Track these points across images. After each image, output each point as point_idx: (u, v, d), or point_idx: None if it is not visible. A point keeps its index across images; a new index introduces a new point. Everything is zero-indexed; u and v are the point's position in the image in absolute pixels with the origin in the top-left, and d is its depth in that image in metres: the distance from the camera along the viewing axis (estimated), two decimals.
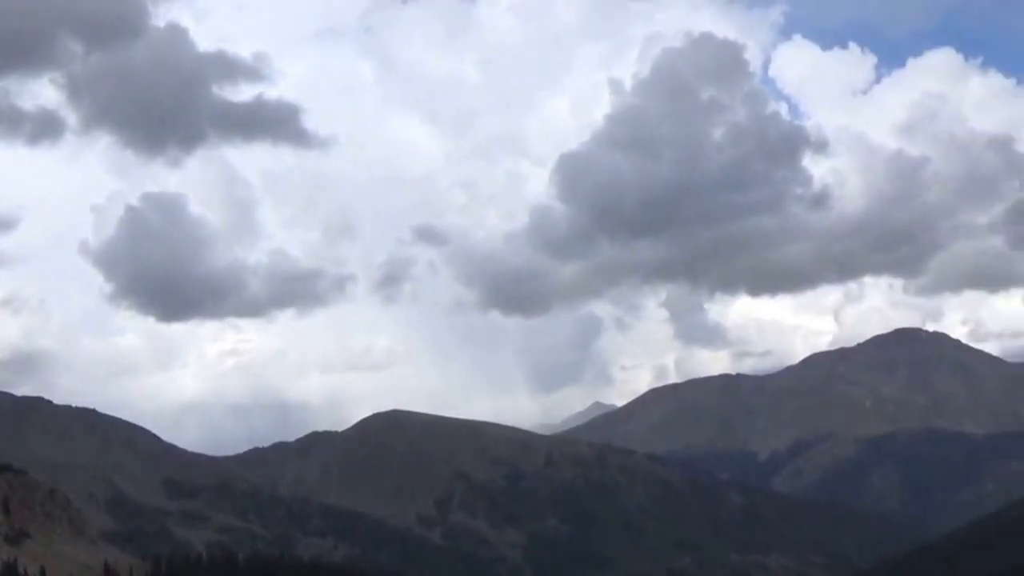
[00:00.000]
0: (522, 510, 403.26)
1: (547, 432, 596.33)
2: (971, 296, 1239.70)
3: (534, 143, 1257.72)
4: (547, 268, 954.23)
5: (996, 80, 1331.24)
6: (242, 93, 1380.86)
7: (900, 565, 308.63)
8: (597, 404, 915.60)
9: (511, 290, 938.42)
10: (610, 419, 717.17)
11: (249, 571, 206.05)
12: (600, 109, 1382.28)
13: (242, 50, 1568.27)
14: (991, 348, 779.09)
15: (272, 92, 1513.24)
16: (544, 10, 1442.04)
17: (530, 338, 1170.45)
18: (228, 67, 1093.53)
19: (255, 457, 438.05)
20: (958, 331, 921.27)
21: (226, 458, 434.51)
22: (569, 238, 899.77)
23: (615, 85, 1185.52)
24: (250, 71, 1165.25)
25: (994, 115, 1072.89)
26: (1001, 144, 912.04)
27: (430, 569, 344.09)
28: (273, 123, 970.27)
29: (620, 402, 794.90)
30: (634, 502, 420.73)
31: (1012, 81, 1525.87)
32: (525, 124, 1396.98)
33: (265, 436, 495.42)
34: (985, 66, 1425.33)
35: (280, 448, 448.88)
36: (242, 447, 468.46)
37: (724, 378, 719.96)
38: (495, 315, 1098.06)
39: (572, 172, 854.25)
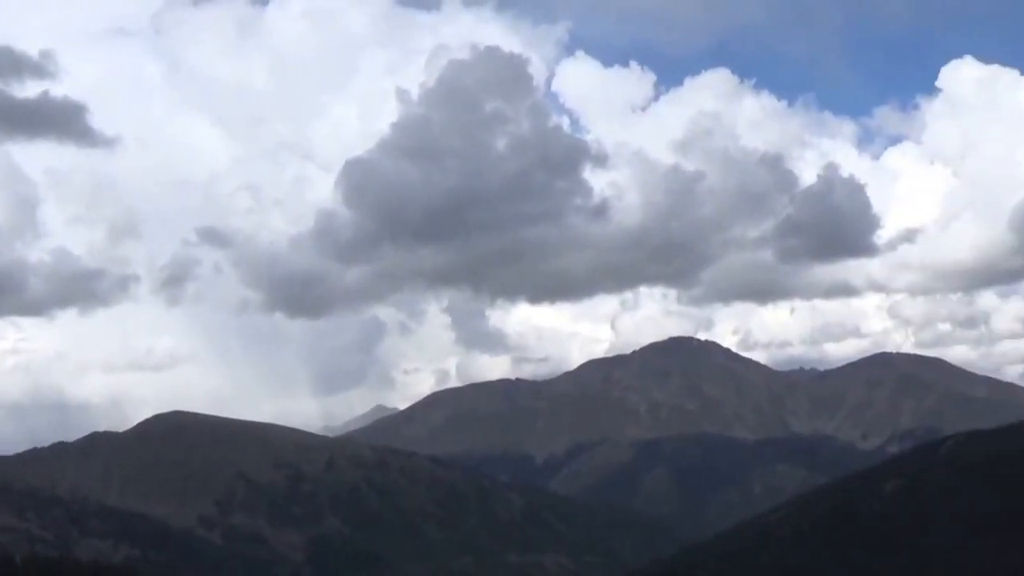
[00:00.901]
0: (303, 512, 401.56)
1: (330, 434, 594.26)
2: (741, 307, 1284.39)
3: (321, 148, 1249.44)
4: (332, 272, 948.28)
5: (768, 101, 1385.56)
6: (27, 90, 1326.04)
7: (671, 564, 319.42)
8: (379, 407, 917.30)
9: (296, 293, 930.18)
10: (392, 422, 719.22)
11: (27, 572, 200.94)
12: (387, 117, 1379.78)
13: (28, 47, 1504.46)
14: (759, 357, 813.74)
15: (58, 90, 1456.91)
16: (334, 17, 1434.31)
17: (314, 341, 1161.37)
18: (13, 63, 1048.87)
19: (34, 457, 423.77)
20: (728, 340, 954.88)
21: (4, 458, 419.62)
22: (354, 243, 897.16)
23: (402, 94, 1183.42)
24: (36, 68, 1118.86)
25: (766, 134, 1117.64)
26: (772, 162, 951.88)
27: (211, 570, 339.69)
28: (58, 121, 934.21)
29: (402, 405, 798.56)
30: (415, 504, 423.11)
31: (783, 103, 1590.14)
32: (312, 129, 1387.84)
33: (45, 436, 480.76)
34: (758, 87, 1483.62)
35: (60, 448, 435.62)
36: (21, 447, 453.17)
37: (504, 383, 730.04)
38: (279, 317, 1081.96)
39: (357, 178, 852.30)
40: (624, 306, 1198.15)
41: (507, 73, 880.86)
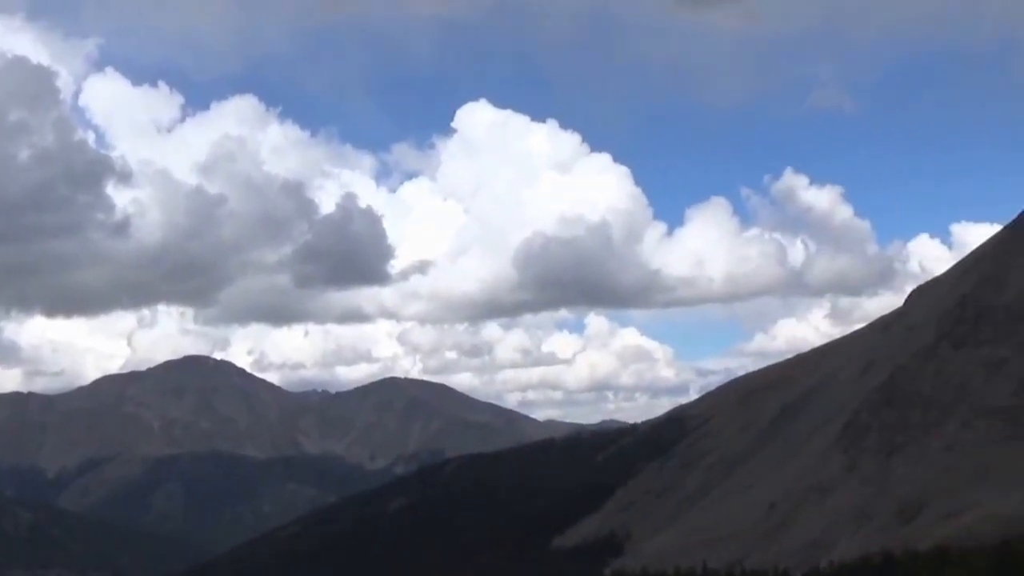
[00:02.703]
0: None
1: None
2: (257, 328, 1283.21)
3: None
4: None
5: (292, 130, 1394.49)
6: None
7: None
8: None
9: None
10: None
11: None
12: None
13: None
14: (272, 378, 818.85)
15: None
16: None
17: None
18: None
19: None
20: (243, 360, 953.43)
21: None
22: None
23: None
24: None
25: (288, 162, 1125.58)
26: (293, 189, 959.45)
27: None
28: None
29: None
30: None
31: (307, 133, 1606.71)
32: None
33: None
34: (284, 116, 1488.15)
35: None
36: None
37: (15, 396, 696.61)
38: None
39: None
40: (141, 323, 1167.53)
41: (33, 84, 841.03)
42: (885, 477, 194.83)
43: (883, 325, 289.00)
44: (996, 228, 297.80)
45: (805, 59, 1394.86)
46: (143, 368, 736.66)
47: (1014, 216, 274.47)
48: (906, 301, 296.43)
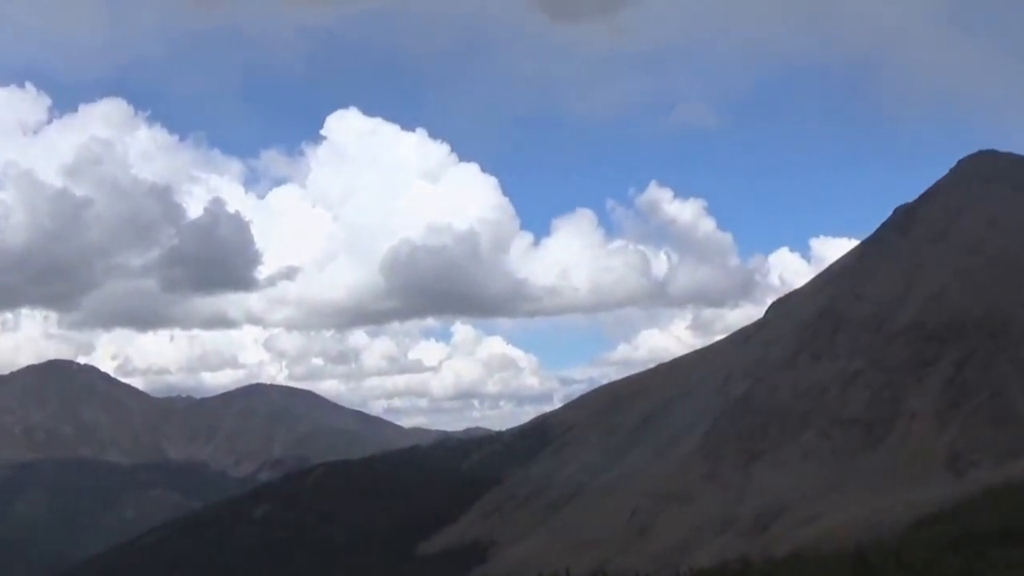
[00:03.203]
0: None
1: None
2: (122, 333, 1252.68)
3: None
4: None
5: (161, 134, 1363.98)
6: None
7: None
8: None
9: None
10: None
11: None
12: None
13: None
14: (137, 383, 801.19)
15: None
16: None
17: None
18: None
19: None
20: (107, 365, 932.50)
21: None
22: None
23: None
24: None
25: (156, 165, 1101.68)
26: (161, 193, 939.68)
27: None
28: None
29: None
30: None
31: (176, 137, 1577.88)
32: None
33: None
34: (152, 120, 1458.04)
35: None
36: None
37: None
38: None
39: None
40: (4, 327, 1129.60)
41: None
42: (744, 484, 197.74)
43: (744, 336, 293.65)
44: (854, 243, 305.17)
45: (671, 74, 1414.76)
46: (5, 372, 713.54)
47: (871, 231, 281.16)
48: (766, 313, 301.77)
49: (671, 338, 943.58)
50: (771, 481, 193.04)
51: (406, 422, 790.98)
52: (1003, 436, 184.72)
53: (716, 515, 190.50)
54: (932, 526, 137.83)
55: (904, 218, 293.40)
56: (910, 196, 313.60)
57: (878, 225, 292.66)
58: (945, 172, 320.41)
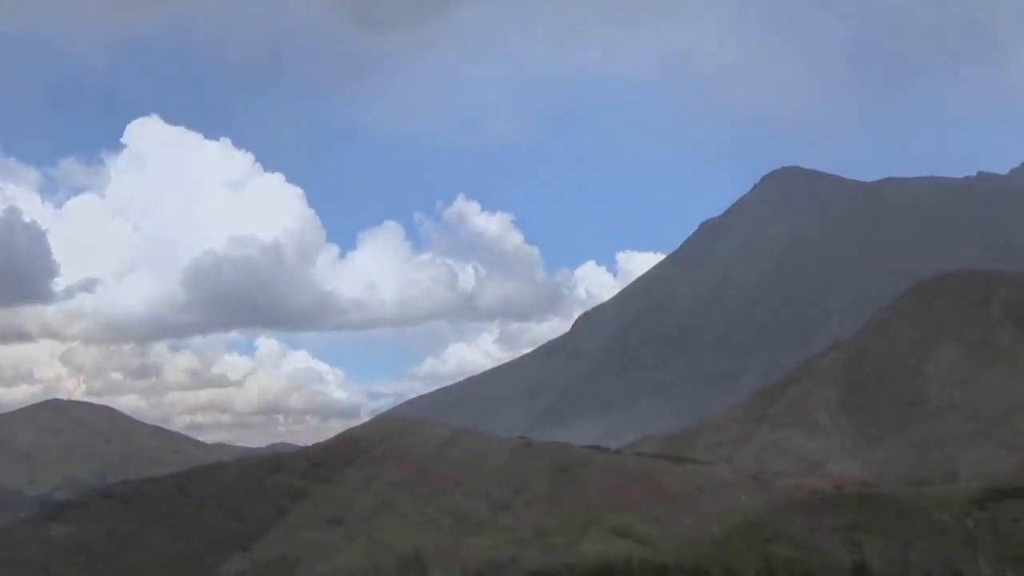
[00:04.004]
0: None
1: None
2: None
3: None
4: None
5: None
6: None
7: None
8: None
9: None
10: None
11: None
12: None
13: None
14: None
15: None
16: None
17: None
18: None
19: None
20: None
21: None
22: None
23: None
24: None
25: None
26: None
27: None
28: None
29: None
30: None
31: None
32: None
33: None
34: None
35: None
36: None
37: None
38: None
39: None
40: None
41: None
42: (554, 497, 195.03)
43: (550, 349, 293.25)
44: (659, 257, 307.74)
45: (479, 87, 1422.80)
46: None
47: (676, 246, 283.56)
48: (573, 326, 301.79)
49: (478, 351, 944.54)
50: (580, 494, 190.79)
51: (209, 438, 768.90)
52: (807, 445, 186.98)
53: (526, 526, 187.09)
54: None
55: (710, 233, 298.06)
56: (715, 212, 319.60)
57: (683, 240, 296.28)
58: (749, 188, 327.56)
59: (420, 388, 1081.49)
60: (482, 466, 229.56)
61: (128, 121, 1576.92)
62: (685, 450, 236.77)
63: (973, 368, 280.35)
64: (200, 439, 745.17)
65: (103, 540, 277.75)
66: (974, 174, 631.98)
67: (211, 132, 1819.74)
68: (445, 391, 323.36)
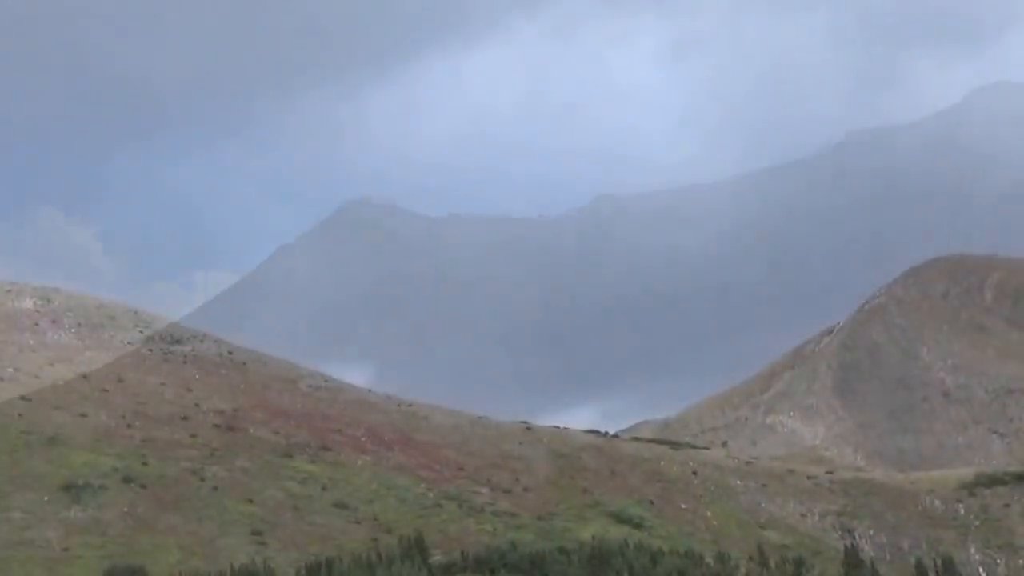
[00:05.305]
0: None
1: None
2: None
3: None
4: None
5: None
6: None
7: None
8: None
9: None
10: None
11: None
12: None
13: None
14: None
15: None
16: None
17: None
18: None
19: None
20: None
21: None
22: None
23: None
24: None
25: None
26: None
27: None
28: None
29: None
30: None
31: None
32: None
33: None
34: None
35: None
36: None
37: None
38: None
39: None
40: None
41: None
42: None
43: None
44: (235, 278, 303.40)
45: None
46: None
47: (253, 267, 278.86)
48: None
49: None
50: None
51: None
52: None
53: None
54: None
55: (286, 258, 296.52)
56: (291, 237, 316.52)
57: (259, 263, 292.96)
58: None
59: None
60: (485, 451, 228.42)
61: None
62: (680, 435, 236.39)
63: (966, 353, 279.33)
64: None
65: (119, 523, 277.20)
66: None
67: None
68: None
